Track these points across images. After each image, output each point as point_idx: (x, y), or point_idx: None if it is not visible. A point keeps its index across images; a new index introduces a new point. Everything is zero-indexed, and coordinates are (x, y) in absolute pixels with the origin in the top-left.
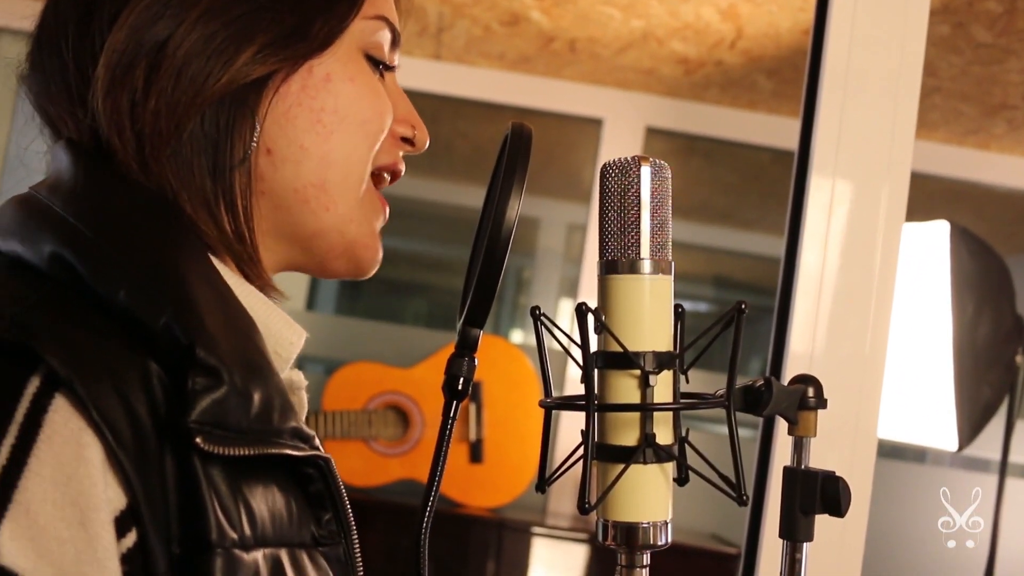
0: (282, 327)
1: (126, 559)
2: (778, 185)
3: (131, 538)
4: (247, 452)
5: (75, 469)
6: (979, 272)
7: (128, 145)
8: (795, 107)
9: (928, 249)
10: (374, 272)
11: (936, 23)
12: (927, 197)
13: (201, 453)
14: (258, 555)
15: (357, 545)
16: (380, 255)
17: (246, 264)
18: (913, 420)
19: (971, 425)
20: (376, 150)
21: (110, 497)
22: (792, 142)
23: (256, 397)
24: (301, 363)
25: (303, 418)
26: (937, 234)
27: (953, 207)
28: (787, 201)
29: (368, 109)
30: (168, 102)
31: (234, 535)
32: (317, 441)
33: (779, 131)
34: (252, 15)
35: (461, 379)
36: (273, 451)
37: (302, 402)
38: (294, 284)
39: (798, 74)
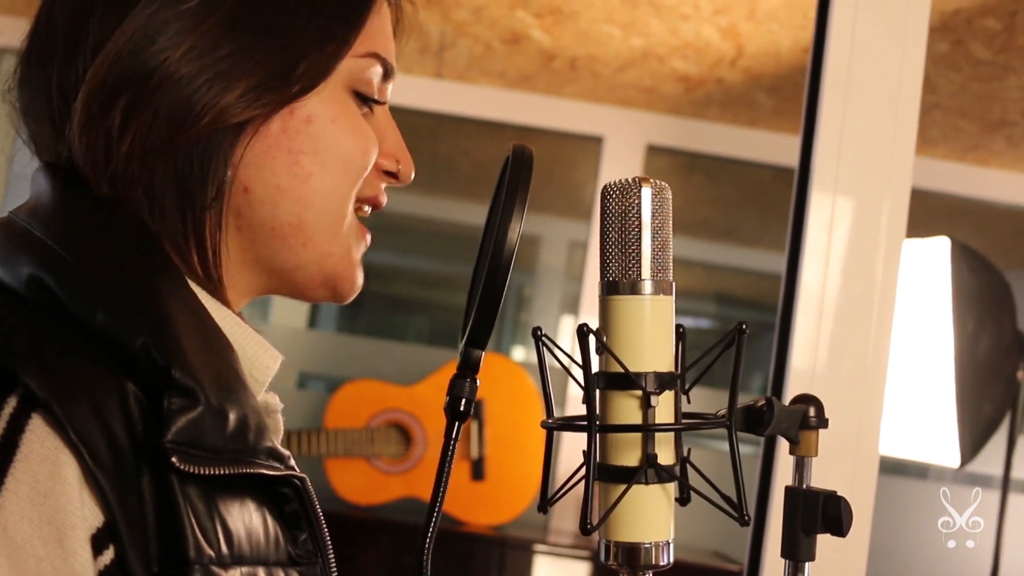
0: (258, 351)
1: (103, 575)
2: (779, 202)
3: (108, 555)
4: (223, 471)
5: (51, 488)
6: (980, 288)
7: (101, 182)
8: (796, 124)
9: (929, 265)
10: (353, 297)
11: (935, 40)
12: (927, 213)
13: (178, 472)
14: (235, 573)
15: (334, 564)
16: (360, 281)
17: (214, 297)
18: (914, 436)
19: (973, 441)
20: (358, 185)
21: (87, 514)
22: (792, 159)
23: (231, 417)
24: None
25: (279, 440)
26: (937, 250)
27: (953, 223)
28: (788, 218)
29: (351, 149)
30: (143, 145)
31: (211, 552)
32: (292, 461)
33: (780, 148)
34: (237, 56)
35: (463, 400)
36: (249, 470)
37: (278, 425)
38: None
39: (798, 92)
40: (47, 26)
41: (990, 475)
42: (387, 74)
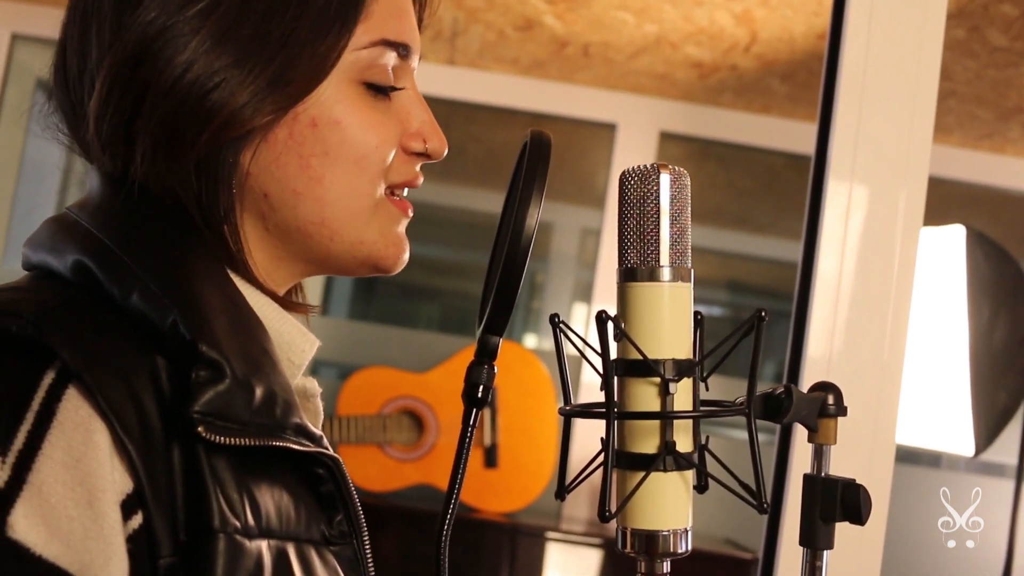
0: (295, 335)
1: (132, 539)
2: (792, 189)
3: (136, 520)
4: (248, 442)
5: (84, 452)
6: (995, 276)
7: (131, 190)
8: (809, 111)
9: (944, 253)
10: (400, 269)
11: (951, 27)
12: (942, 201)
13: (204, 443)
14: (262, 544)
15: (368, 545)
16: (404, 256)
17: (251, 284)
18: (929, 425)
19: (988, 430)
20: (382, 176)
21: (116, 479)
22: (806, 146)
23: (258, 391)
24: (315, 368)
25: (319, 424)
26: (953, 238)
27: (968, 211)
28: (801, 205)
29: (362, 145)
30: (150, 169)
31: (236, 523)
32: (326, 442)
33: (793, 135)
34: (232, 68)
35: (481, 387)
36: (275, 443)
37: (317, 409)
38: (308, 289)
39: (812, 78)
40: (61, 45)
41: (1004, 464)
42: (405, 55)
